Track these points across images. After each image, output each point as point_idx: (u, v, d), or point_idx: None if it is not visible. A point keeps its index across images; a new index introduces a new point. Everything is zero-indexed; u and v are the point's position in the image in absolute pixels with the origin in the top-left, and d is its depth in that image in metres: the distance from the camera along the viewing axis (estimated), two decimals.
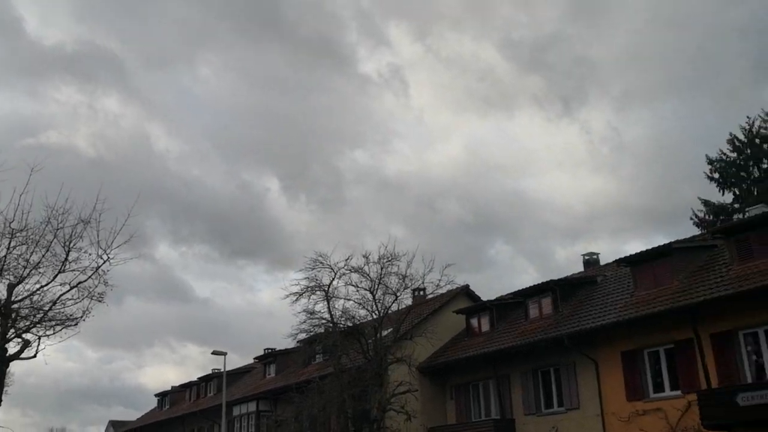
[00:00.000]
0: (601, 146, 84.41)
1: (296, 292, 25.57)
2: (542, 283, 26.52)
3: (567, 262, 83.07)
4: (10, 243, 16.68)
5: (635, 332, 21.43)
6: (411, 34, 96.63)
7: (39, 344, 17.64)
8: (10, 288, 16.90)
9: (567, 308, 25.05)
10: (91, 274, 17.50)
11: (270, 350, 42.43)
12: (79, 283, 17.57)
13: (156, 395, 52.67)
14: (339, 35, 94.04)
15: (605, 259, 29.43)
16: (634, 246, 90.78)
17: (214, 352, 31.08)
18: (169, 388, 51.29)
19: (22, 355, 17.33)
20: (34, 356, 17.53)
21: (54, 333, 17.66)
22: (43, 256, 16.86)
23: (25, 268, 16.83)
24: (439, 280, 25.03)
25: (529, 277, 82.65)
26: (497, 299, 29.21)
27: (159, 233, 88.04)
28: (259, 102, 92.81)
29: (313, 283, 25.65)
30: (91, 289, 17.59)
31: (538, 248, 79.47)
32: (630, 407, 21.38)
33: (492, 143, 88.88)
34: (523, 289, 27.55)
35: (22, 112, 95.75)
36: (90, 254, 17.57)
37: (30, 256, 16.81)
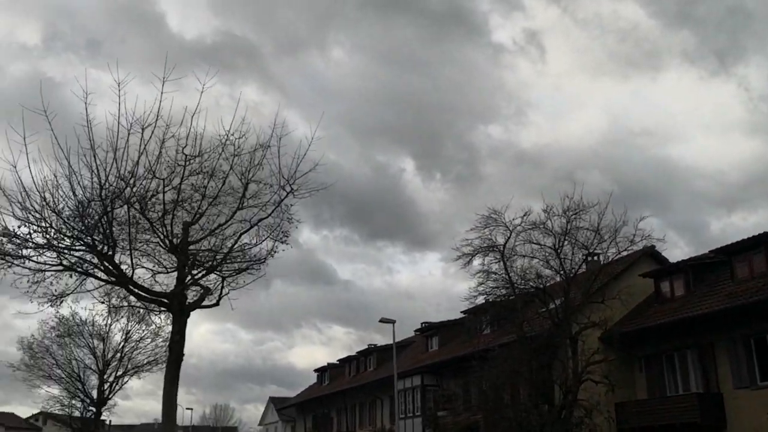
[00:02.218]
0: (761, 104, 76.24)
1: (468, 253, 23.60)
2: (752, 237, 22.96)
3: (723, 234, 75.61)
4: (184, 171, 14.49)
5: None
6: None
7: (222, 289, 15.85)
8: (186, 227, 15.04)
9: None
10: (274, 209, 15.40)
11: (427, 323, 41.03)
12: (260, 220, 15.53)
13: (315, 371, 53.00)
14: (470, 3, 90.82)
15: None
16: None
17: (382, 320, 29.84)
18: (326, 364, 51.33)
19: (203, 303, 15.66)
20: (217, 303, 15.88)
21: (236, 274, 15.76)
22: (220, 189, 14.88)
23: (201, 200, 14.82)
24: (633, 235, 22.22)
25: (680, 252, 76.55)
26: (692, 259, 25.87)
27: (302, 217, 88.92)
28: (389, 81, 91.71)
29: (486, 243, 23.57)
30: (274, 227, 15.52)
31: (690, 220, 73.02)
32: None
33: (634, 108, 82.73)
34: (725, 246, 24.08)
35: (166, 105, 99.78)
36: (272, 186, 15.37)
37: (206, 187, 14.79)
